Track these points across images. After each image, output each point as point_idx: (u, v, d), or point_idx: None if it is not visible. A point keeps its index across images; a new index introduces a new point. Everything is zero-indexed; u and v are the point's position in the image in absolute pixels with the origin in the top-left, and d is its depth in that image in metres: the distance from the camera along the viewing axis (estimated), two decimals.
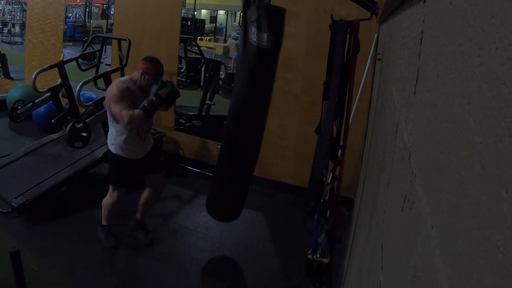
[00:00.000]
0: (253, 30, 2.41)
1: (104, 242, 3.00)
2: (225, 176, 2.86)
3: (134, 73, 2.74)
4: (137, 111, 2.54)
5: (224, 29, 20.49)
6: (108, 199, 2.94)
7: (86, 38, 13.36)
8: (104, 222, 3.02)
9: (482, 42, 0.33)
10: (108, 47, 5.96)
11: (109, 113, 2.66)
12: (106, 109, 2.73)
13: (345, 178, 2.44)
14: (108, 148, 2.82)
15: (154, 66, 2.71)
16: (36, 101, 4.41)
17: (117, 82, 2.67)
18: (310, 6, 3.73)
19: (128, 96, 2.58)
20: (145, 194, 3.05)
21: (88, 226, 3.23)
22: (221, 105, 6.25)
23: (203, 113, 5.44)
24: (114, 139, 2.74)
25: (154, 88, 2.61)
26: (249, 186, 3.02)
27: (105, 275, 2.74)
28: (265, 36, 2.42)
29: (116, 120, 2.63)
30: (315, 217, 2.07)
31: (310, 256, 2.08)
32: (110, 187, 2.90)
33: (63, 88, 4.25)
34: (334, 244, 2.21)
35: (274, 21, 2.47)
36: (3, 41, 15.20)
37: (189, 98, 6.20)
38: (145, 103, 2.56)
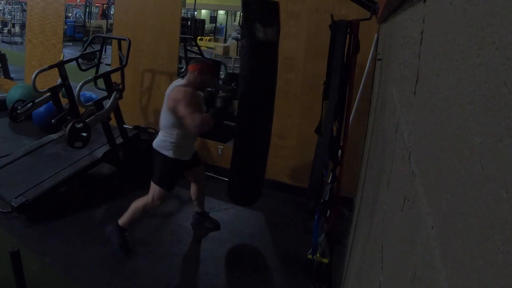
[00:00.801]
0: (258, 27, 2.46)
1: (118, 246, 2.86)
2: (242, 166, 2.97)
3: (187, 76, 2.75)
4: (206, 115, 2.64)
5: (224, 29, 20.48)
6: (149, 203, 2.81)
7: (86, 38, 13.36)
8: (124, 225, 2.86)
9: (482, 42, 0.33)
10: (108, 47, 5.96)
11: (172, 116, 2.65)
12: (166, 112, 2.70)
13: (345, 178, 2.45)
14: (161, 153, 2.76)
15: (207, 65, 2.81)
16: (36, 101, 4.40)
17: (181, 87, 2.68)
18: (310, 6, 3.73)
19: (195, 100, 2.67)
20: (194, 189, 3.21)
21: (88, 226, 3.23)
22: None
23: None
24: (172, 144, 2.73)
25: (218, 98, 2.78)
26: (263, 175, 3.17)
27: (105, 275, 2.74)
28: (270, 30, 2.50)
29: (180, 123, 2.64)
30: (315, 217, 2.07)
31: (310, 256, 2.09)
32: (157, 191, 2.80)
33: (63, 88, 4.25)
34: (334, 244, 2.21)
35: (274, 14, 2.55)
36: (3, 41, 15.20)
37: None
38: (214, 109, 2.72)
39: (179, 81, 2.79)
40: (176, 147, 2.73)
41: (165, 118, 2.73)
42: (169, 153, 2.74)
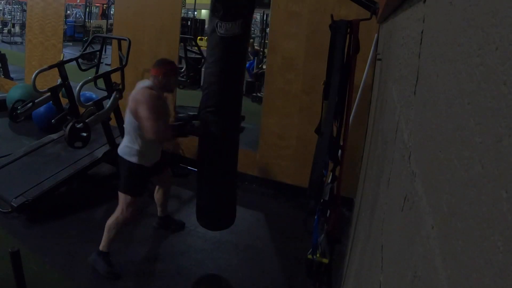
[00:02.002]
0: (218, 24, 2.42)
1: (105, 273, 2.66)
2: (208, 177, 2.72)
3: (150, 79, 2.64)
4: (168, 127, 2.59)
5: None
6: (119, 217, 2.67)
7: (86, 38, 13.35)
8: (104, 249, 2.69)
9: (482, 42, 0.33)
10: (108, 47, 5.96)
11: (133, 118, 2.54)
12: (129, 116, 2.58)
13: (345, 178, 2.44)
14: (122, 157, 2.67)
15: (172, 67, 2.73)
16: (36, 101, 4.41)
17: (146, 89, 2.55)
18: (310, 6, 3.73)
19: (160, 105, 2.55)
20: (160, 193, 3.19)
21: (88, 226, 3.23)
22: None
23: None
24: (136, 150, 2.62)
25: (193, 122, 2.68)
26: (235, 185, 2.86)
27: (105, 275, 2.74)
28: (229, 25, 2.40)
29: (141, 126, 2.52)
30: (315, 217, 2.07)
31: (310, 256, 2.08)
32: (124, 202, 2.66)
33: (63, 88, 4.25)
34: (334, 244, 2.21)
35: (236, 9, 2.43)
36: (3, 41, 15.21)
37: (189, 98, 6.19)
38: (178, 125, 2.64)
39: (145, 82, 2.65)
40: (141, 153, 2.63)
41: (128, 122, 2.61)
42: (133, 159, 2.63)
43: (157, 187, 3.20)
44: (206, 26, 18.37)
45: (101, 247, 2.70)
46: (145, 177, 2.78)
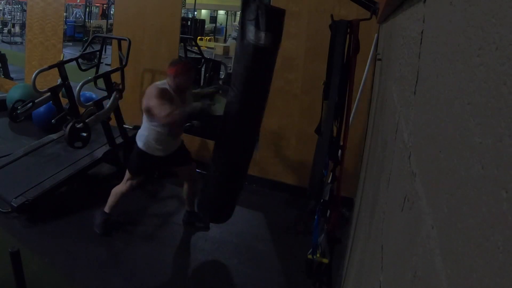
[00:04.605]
0: (250, 29, 2.40)
1: (96, 226, 3.08)
2: (220, 177, 2.77)
3: (166, 80, 2.87)
4: (178, 110, 2.70)
5: (224, 29, 20.48)
6: (120, 187, 3.07)
7: (86, 38, 13.36)
8: (106, 210, 3.10)
9: (482, 42, 0.33)
10: (108, 47, 5.96)
11: (145, 112, 2.83)
12: (144, 110, 2.85)
13: (345, 178, 2.44)
14: (136, 143, 2.98)
15: (181, 66, 2.86)
16: (36, 101, 4.40)
17: (156, 85, 2.85)
18: (310, 6, 3.73)
19: (167, 96, 2.76)
20: (185, 187, 3.32)
21: (88, 226, 3.23)
22: (221, 105, 6.24)
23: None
24: (145, 137, 2.91)
25: (205, 101, 2.86)
26: (242, 187, 2.95)
27: (105, 275, 2.74)
28: (263, 34, 2.39)
29: (151, 117, 2.79)
30: (315, 217, 2.07)
31: (310, 256, 2.08)
32: (126, 175, 3.06)
33: (63, 88, 4.25)
34: (334, 244, 2.21)
35: (273, 20, 2.43)
36: (3, 41, 15.21)
37: None
38: (187, 108, 2.78)
39: (158, 82, 2.92)
40: (147, 140, 2.90)
41: (144, 115, 2.92)
42: (139, 144, 2.94)
43: (184, 181, 3.34)
44: (205, 26, 18.40)
45: (105, 208, 3.12)
46: (148, 163, 3.03)
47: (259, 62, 2.49)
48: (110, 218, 3.12)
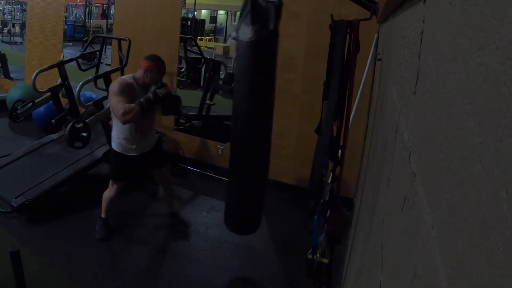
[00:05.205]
0: (241, 26, 2.40)
1: (96, 231, 3.09)
2: (239, 181, 2.66)
3: (137, 71, 2.85)
4: (132, 104, 2.61)
5: (224, 29, 20.47)
6: (107, 193, 3.06)
7: (86, 38, 13.35)
8: (102, 215, 3.12)
9: (482, 42, 0.33)
10: (108, 47, 5.96)
11: (111, 110, 2.75)
12: (110, 107, 2.80)
13: (345, 178, 2.44)
14: (111, 146, 2.96)
15: (156, 63, 2.83)
16: (36, 101, 4.41)
17: (120, 78, 2.81)
18: (310, 6, 3.73)
19: (128, 92, 2.69)
20: (161, 190, 3.37)
21: (88, 226, 3.23)
22: (221, 105, 6.25)
23: (203, 113, 5.44)
24: (116, 137, 2.87)
25: (153, 87, 2.73)
26: (265, 188, 2.82)
27: (105, 275, 2.74)
28: (250, 29, 2.32)
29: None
30: (315, 217, 2.07)
31: (310, 256, 2.08)
32: (110, 181, 3.04)
33: (63, 88, 4.25)
34: (334, 244, 2.21)
35: (259, 12, 2.34)
36: (3, 41, 15.20)
37: (189, 98, 6.19)
38: (141, 99, 2.67)
39: (125, 76, 2.89)
40: (119, 140, 2.87)
41: (111, 111, 2.82)
42: (113, 145, 2.92)
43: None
44: (205, 26, 18.40)
45: (101, 214, 3.12)
46: (125, 165, 2.96)
47: (253, 57, 2.40)
48: (108, 222, 3.13)
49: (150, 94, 2.69)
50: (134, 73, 2.87)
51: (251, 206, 2.70)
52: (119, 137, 2.86)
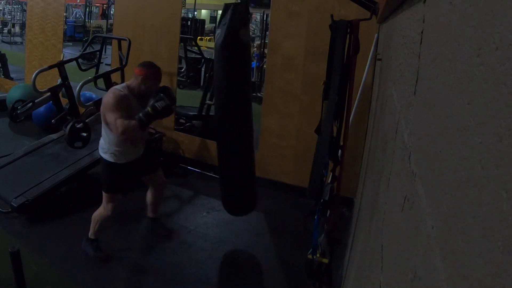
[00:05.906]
0: (217, 31, 2.60)
1: (94, 257, 2.82)
2: (228, 173, 2.98)
3: (131, 80, 2.66)
4: (133, 122, 2.46)
5: None
6: (102, 212, 2.79)
7: (86, 38, 13.35)
8: (92, 236, 2.85)
9: (482, 42, 0.33)
10: (108, 47, 5.96)
11: (103, 120, 2.58)
12: (102, 119, 2.62)
13: (345, 178, 2.44)
14: (100, 155, 2.72)
15: (152, 71, 2.64)
16: (36, 101, 4.41)
17: (114, 89, 2.60)
18: (310, 6, 3.73)
19: (124, 105, 2.52)
20: (150, 194, 3.09)
21: (88, 226, 3.22)
22: None
23: (203, 113, 5.44)
24: (107, 147, 2.66)
25: (151, 100, 2.54)
26: (254, 179, 3.09)
27: (105, 275, 2.74)
28: (218, 31, 2.56)
29: (110, 129, 2.56)
30: (315, 217, 2.07)
31: (310, 256, 2.08)
32: (105, 198, 2.76)
33: (63, 88, 4.25)
34: (334, 244, 2.21)
35: (224, 15, 2.58)
36: (3, 41, 15.21)
37: (189, 98, 6.19)
38: (141, 114, 2.49)
39: (118, 86, 2.68)
40: (111, 150, 2.65)
41: (102, 123, 2.64)
42: (106, 156, 2.67)
43: (149, 187, 3.10)
44: (205, 26, 18.38)
45: (89, 235, 2.87)
46: (123, 174, 2.76)
47: (222, 60, 2.66)
48: (97, 243, 2.86)
49: (149, 108, 2.49)
50: (127, 82, 2.69)
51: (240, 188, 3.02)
52: (110, 149, 2.66)
